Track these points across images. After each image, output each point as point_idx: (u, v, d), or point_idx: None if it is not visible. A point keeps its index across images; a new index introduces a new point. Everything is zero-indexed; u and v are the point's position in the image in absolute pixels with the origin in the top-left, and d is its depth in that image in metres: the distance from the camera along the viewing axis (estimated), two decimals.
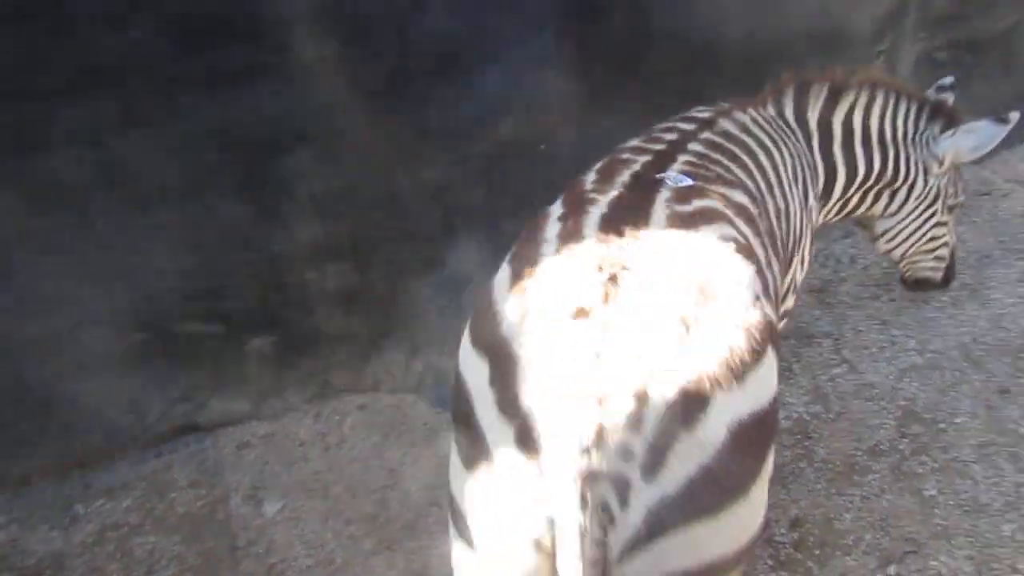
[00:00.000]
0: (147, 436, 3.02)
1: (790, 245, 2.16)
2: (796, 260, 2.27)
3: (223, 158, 2.69)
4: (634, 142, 2.10)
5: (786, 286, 2.20)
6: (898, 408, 3.11)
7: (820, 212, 2.64)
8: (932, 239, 2.97)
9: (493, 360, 1.33)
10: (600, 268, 1.35)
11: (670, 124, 2.20)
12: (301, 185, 2.84)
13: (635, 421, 1.19)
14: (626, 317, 1.27)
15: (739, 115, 2.27)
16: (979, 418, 3.03)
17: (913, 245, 2.98)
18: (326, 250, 3.00)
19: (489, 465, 1.30)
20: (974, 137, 2.62)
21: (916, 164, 2.71)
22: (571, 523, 1.18)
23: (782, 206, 2.10)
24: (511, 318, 1.34)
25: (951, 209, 2.91)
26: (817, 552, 2.61)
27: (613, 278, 1.33)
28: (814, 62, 3.40)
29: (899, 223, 2.88)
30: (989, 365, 3.27)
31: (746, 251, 1.53)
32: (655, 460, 1.20)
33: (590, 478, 1.17)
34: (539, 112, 2.97)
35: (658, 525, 1.22)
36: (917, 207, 2.83)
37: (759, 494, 1.34)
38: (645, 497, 1.21)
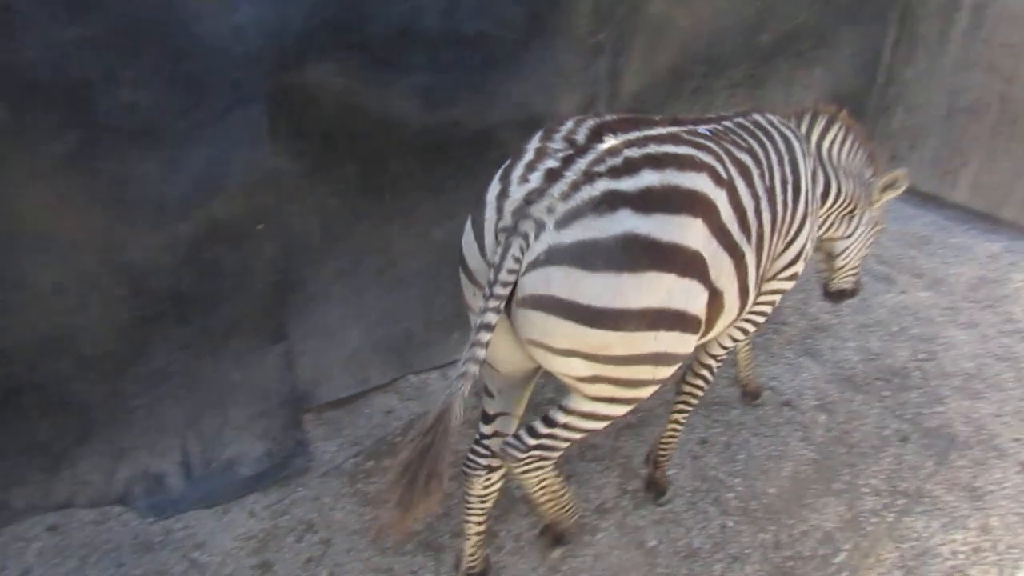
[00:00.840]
0: None
1: (791, 220, 2.56)
2: (798, 242, 2.67)
3: None
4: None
5: (796, 250, 2.68)
6: (618, 466, 3.32)
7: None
8: (862, 258, 3.54)
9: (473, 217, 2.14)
10: (569, 142, 2.07)
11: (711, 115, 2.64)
12: None
13: (564, 196, 1.92)
14: (585, 155, 2.00)
15: (770, 116, 2.73)
16: (686, 468, 3.32)
17: (854, 262, 3.51)
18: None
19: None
20: (892, 193, 3.24)
21: (863, 197, 3.21)
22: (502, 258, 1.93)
23: (781, 183, 2.51)
24: (489, 192, 2.10)
25: (877, 235, 3.52)
26: None
27: (581, 143, 2.06)
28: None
29: (851, 244, 3.38)
30: (691, 418, 3.62)
31: (712, 173, 2.13)
32: (565, 221, 1.90)
33: (517, 215, 1.94)
34: (253, 190, 2.83)
35: (550, 256, 1.91)
36: (863, 232, 3.37)
37: (626, 290, 1.92)
38: (549, 237, 1.91)
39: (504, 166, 2.13)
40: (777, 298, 2.84)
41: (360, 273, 3.39)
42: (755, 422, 3.61)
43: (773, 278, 2.70)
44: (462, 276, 2.19)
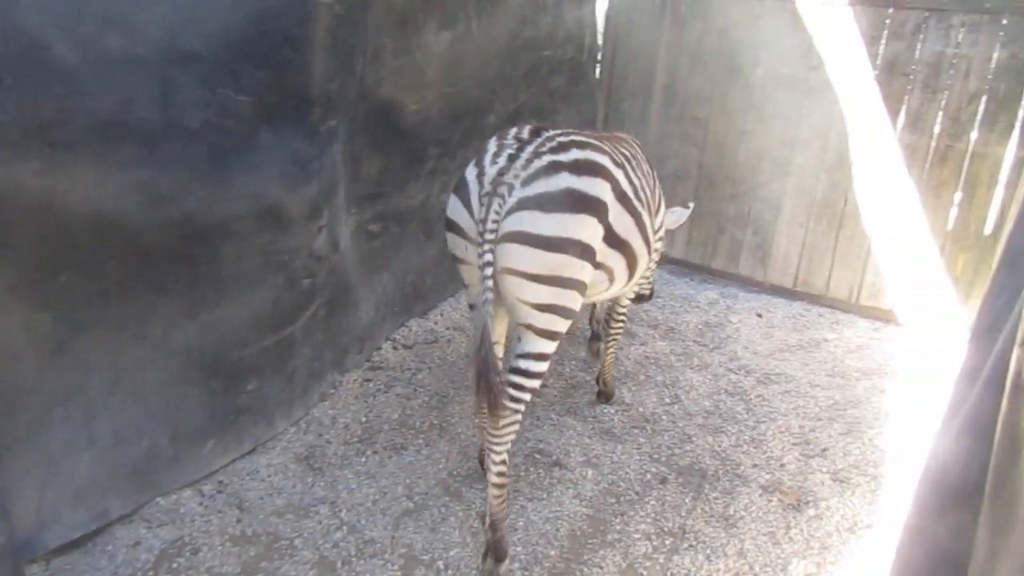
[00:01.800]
0: None
1: (656, 203, 3.66)
2: (659, 216, 3.73)
3: None
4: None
5: (658, 223, 3.72)
6: (400, 557, 3.18)
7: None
8: (651, 270, 4.38)
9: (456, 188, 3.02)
10: (517, 139, 3.01)
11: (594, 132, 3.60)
12: None
13: (524, 167, 2.83)
14: (532, 143, 2.95)
15: (624, 135, 3.92)
16: (468, 546, 3.27)
17: (648, 271, 4.18)
18: None
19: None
20: (675, 217, 4.38)
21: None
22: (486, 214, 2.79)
23: (645, 176, 3.56)
24: (468, 174, 2.97)
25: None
26: None
27: (526, 138, 3.02)
28: (261, 238, 3.53)
29: (651, 258, 3.92)
30: (466, 494, 3.59)
31: (612, 157, 3.15)
32: (527, 181, 2.81)
33: (494, 184, 2.82)
34: None
35: (520, 204, 2.78)
36: (656, 250, 3.97)
37: (569, 224, 2.83)
38: (518, 193, 2.79)
39: (473, 161, 3.02)
40: (654, 266, 4.01)
41: (87, 392, 3.00)
42: (529, 487, 3.66)
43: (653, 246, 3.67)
44: (450, 236, 3.08)
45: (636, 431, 4.19)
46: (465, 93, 4.95)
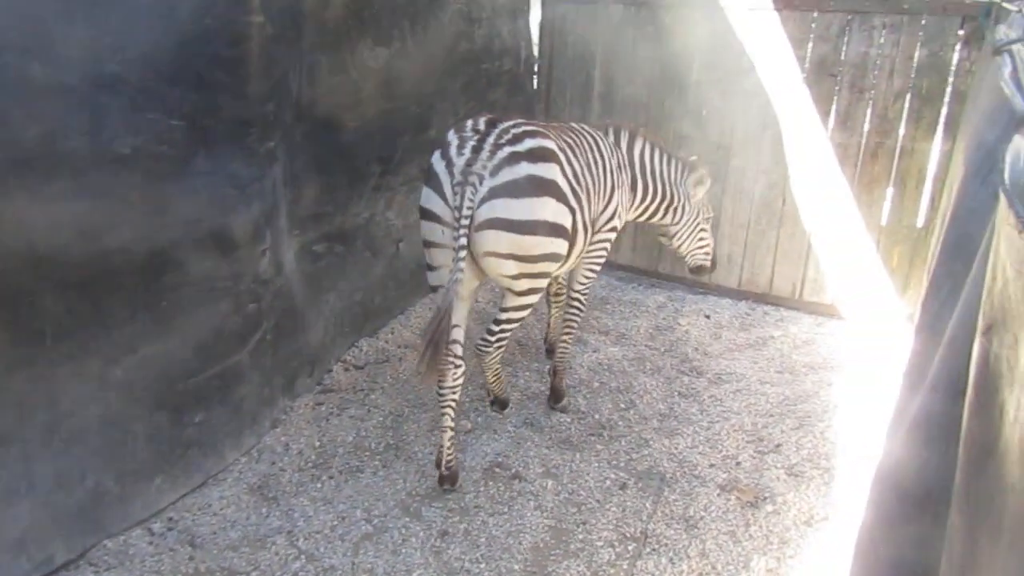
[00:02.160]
0: None
1: (603, 187, 4.00)
2: (611, 205, 4.09)
3: None
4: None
5: (611, 211, 4.10)
6: None
7: (632, 203, 4.36)
8: (700, 239, 4.81)
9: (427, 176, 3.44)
10: (475, 131, 3.43)
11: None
12: None
13: (489, 158, 3.28)
14: (490, 136, 3.37)
15: (582, 125, 4.23)
16: (431, 566, 3.22)
17: (691, 244, 4.79)
18: None
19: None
20: (702, 188, 4.56)
21: (682, 195, 4.52)
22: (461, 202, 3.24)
23: (593, 162, 3.96)
24: (436, 166, 3.38)
25: (708, 220, 4.82)
26: None
27: (483, 129, 3.43)
28: (203, 264, 3.44)
29: (681, 229, 4.69)
30: (426, 513, 3.54)
31: (556, 142, 3.62)
32: (494, 172, 3.26)
33: (464, 174, 3.25)
34: None
35: (492, 193, 3.25)
36: (688, 220, 4.65)
37: (535, 207, 3.34)
38: (488, 183, 3.25)
39: (438, 152, 3.40)
40: (607, 245, 4.21)
41: (24, 434, 2.88)
42: (490, 502, 3.63)
43: (599, 231, 4.06)
44: (425, 224, 3.43)
45: (593, 438, 4.19)
46: (404, 109, 4.93)
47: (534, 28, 6.52)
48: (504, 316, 3.69)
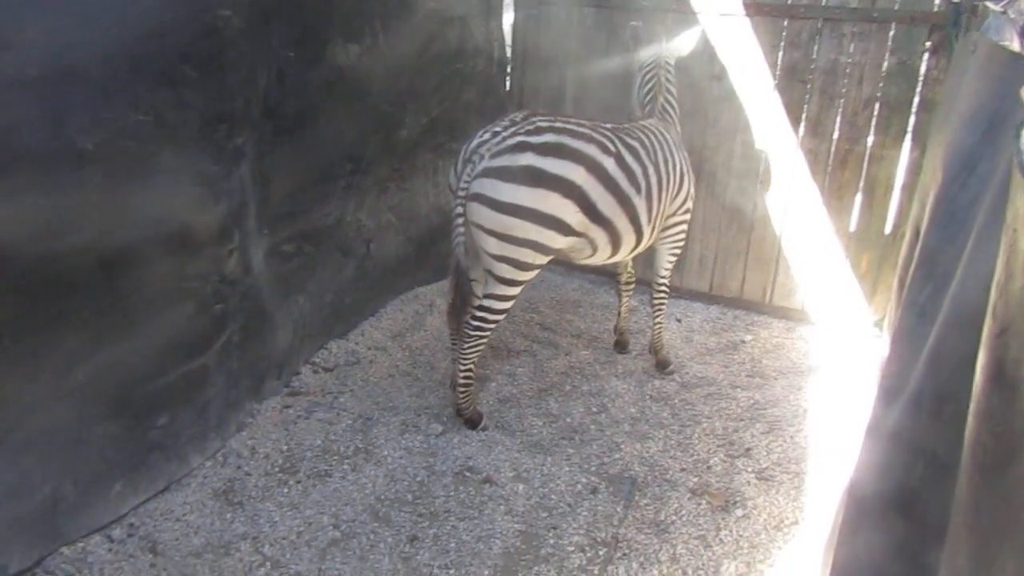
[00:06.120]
0: None
1: (674, 181, 4.31)
2: (682, 193, 4.46)
3: None
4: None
5: (683, 196, 4.48)
6: None
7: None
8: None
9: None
10: (512, 121, 3.80)
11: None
12: None
13: (497, 144, 3.66)
14: (516, 125, 3.74)
15: (653, 122, 4.55)
16: (400, 572, 3.17)
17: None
18: None
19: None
20: (685, 43, 5.03)
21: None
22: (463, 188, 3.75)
23: (663, 160, 4.25)
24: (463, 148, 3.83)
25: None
26: None
27: (517, 120, 3.80)
28: (168, 264, 3.36)
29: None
30: (395, 518, 3.49)
31: (601, 145, 3.82)
32: (494, 156, 3.65)
33: (471, 153, 3.75)
34: None
35: (485, 173, 3.65)
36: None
37: (521, 195, 3.61)
38: (485, 163, 3.65)
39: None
40: (684, 227, 4.62)
41: None
42: (460, 507, 3.58)
43: (674, 214, 4.46)
44: (452, 197, 3.87)
45: (565, 442, 4.17)
46: (376, 108, 4.87)
47: (507, 29, 6.49)
48: (484, 303, 3.90)
